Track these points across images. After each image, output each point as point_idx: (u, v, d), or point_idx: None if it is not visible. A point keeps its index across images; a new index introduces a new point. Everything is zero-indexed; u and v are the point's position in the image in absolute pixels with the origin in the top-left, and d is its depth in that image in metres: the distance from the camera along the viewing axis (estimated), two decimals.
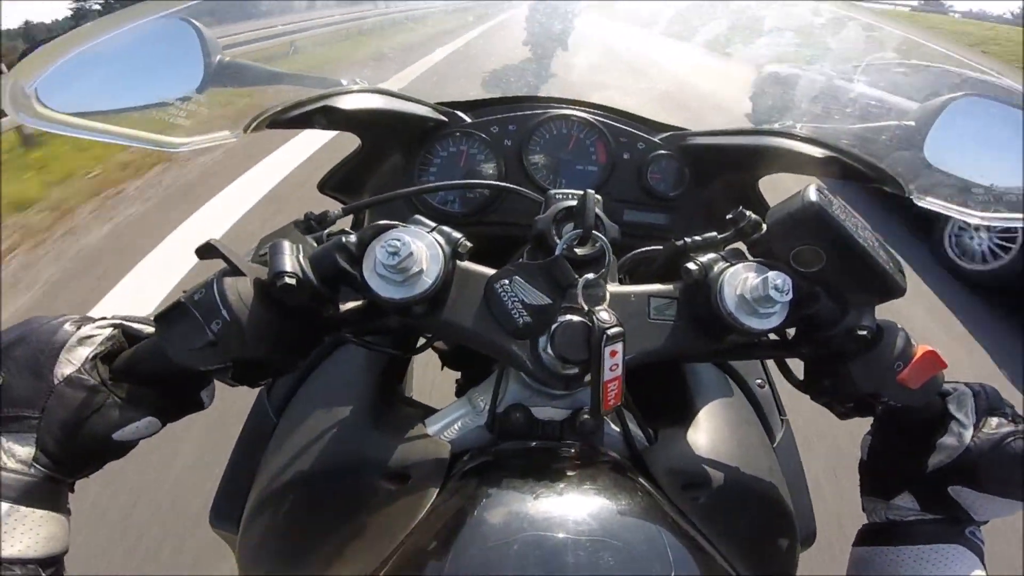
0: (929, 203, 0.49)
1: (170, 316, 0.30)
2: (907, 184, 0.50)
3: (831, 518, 0.88)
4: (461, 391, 0.69)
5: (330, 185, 0.65)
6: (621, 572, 0.29)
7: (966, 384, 0.40)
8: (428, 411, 0.48)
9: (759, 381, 0.58)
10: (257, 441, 0.49)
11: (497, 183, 0.54)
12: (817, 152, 0.54)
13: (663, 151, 0.63)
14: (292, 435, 0.46)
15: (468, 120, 0.63)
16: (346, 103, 0.51)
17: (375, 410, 0.47)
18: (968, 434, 0.38)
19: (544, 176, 0.63)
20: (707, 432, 0.48)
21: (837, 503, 1.16)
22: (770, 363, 0.57)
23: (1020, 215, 0.48)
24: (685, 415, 0.50)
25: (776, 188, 0.54)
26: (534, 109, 0.64)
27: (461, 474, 0.38)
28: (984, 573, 0.37)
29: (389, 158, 0.63)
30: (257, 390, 0.50)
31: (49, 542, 0.29)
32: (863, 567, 0.41)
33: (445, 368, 0.73)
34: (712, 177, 0.64)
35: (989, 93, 0.64)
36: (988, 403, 0.39)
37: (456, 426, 0.44)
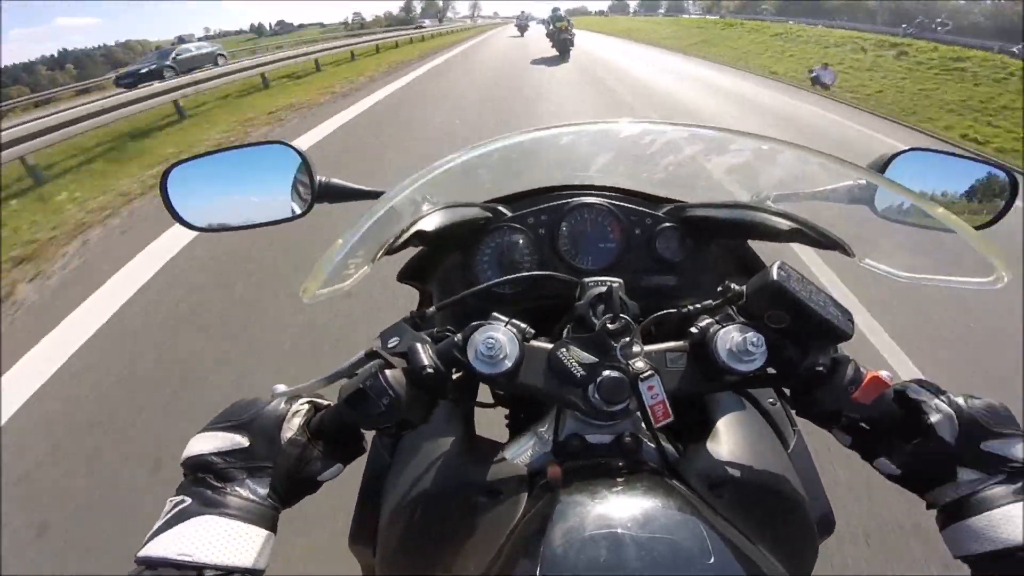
0: (868, 265, 0.64)
1: (355, 398, 0.48)
2: (852, 248, 0.65)
3: None
4: (514, 426, 0.85)
5: (406, 275, 0.84)
6: (672, 559, 0.39)
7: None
8: (494, 444, 0.64)
9: (771, 400, 0.72)
10: (378, 478, 0.65)
11: (540, 273, 0.71)
12: (784, 224, 0.70)
13: (667, 223, 0.80)
14: (405, 470, 0.62)
15: (509, 214, 0.80)
16: (427, 224, 0.69)
17: (462, 445, 0.63)
18: (941, 403, 0.48)
19: (572, 254, 0.80)
20: (726, 443, 0.61)
21: None
22: None
23: (945, 277, 0.60)
24: (706, 431, 0.63)
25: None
26: (560, 199, 0.81)
27: (540, 487, 0.53)
28: None
29: (451, 252, 0.81)
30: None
31: (262, 556, 0.44)
32: (967, 540, 0.45)
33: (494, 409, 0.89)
34: (709, 241, 0.81)
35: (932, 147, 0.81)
36: (932, 385, 0.50)
37: (528, 453, 0.60)
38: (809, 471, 0.66)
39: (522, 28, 31.79)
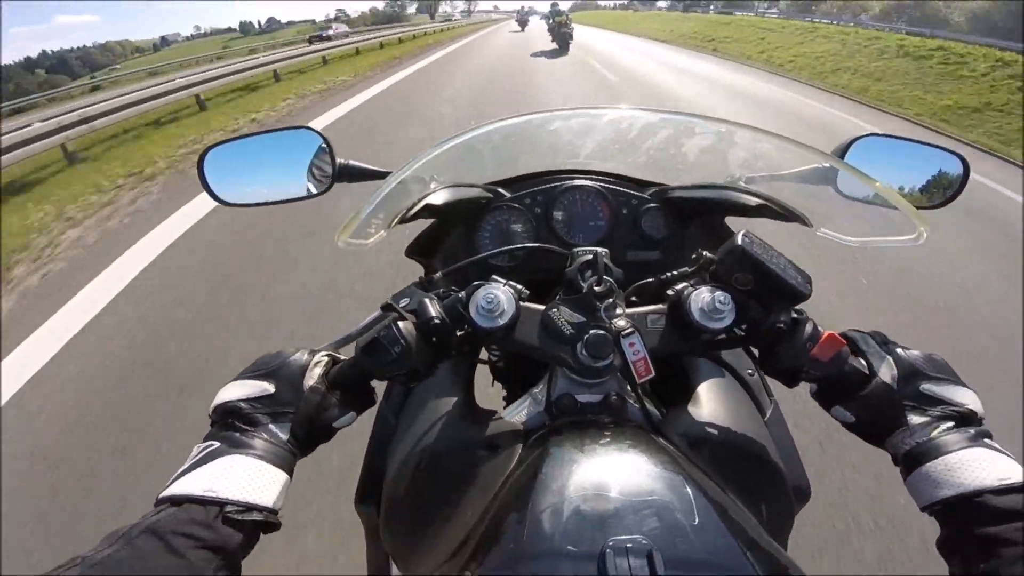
0: (824, 233, 0.73)
1: (370, 346, 0.55)
2: (811, 219, 0.74)
3: None
4: (511, 398, 0.92)
5: (413, 250, 0.92)
6: (653, 506, 0.42)
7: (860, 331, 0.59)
8: (489, 411, 0.70)
9: (749, 371, 0.77)
10: (384, 439, 0.71)
11: (535, 244, 0.79)
12: (752, 201, 0.78)
13: (651, 204, 0.89)
14: (410, 430, 0.68)
15: (508, 195, 0.89)
16: (436, 199, 0.78)
17: (464, 408, 0.69)
18: (884, 353, 0.55)
19: (565, 231, 0.89)
20: (706, 406, 0.66)
21: None
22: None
23: (882, 238, 0.69)
24: (687, 396, 0.69)
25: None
26: (554, 182, 0.90)
27: (533, 440, 0.59)
28: (1018, 465, 0.47)
29: (454, 229, 0.90)
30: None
31: (280, 498, 0.48)
32: (925, 487, 0.48)
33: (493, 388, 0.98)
34: (689, 219, 0.90)
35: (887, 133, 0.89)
36: (880, 335, 0.58)
37: (524, 412, 0.67)
38: (785, 439, 0.71)
39: (523, 23, 33.57)
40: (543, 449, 0.53)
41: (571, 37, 16.89)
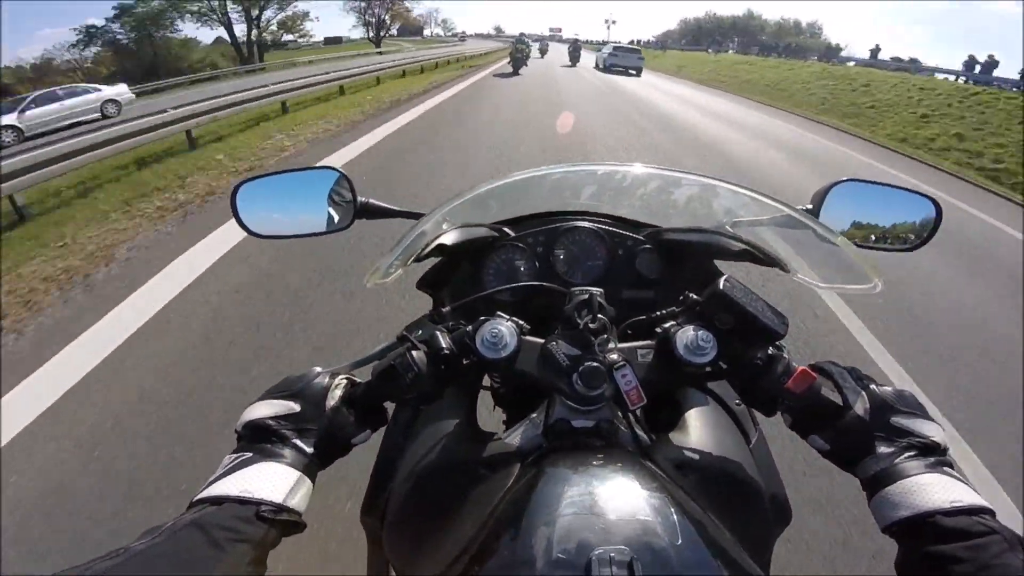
0: (799, 279, 0.82)
1: (386, 372, 0.63)
2: (789, 265, 0.83)
3: None
4: (510, 423, 0.99)
5: (424, 282, 1.02)
6: (639, 528, 0.46)
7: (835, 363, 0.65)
8: (490, 433, 0.78)
9: (736, 401, 0.82)
10: (391, 456, 0.79)
11: (536, 283, 0.88)
12: (736, 246, 0.87)
13: (646, 246, 0.99)
14: (416, 448, 0.75)
15: (512, 234, 0.99)
16: (447, 239, 0.87)
17: (466, 429, 0.77)
18: (859, 388, 0.61)
19: (565, 270, 0.98)
20: (692, 434, 0.72)
21: None
22: None
23: (846, 286, 0.79)
24: (676, 423, 0.75)
25: None
26: (556, 222, 1.00)
27: (530, 461, 0.64)
28: (972, 491, 0.52)
29: (461, 264, 0.99)
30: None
31: (304, 502, 0.55)
32: (884, 509, 0.54)
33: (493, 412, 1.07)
34: (681, 261, 0.99)
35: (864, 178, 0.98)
36: (856, 371, 0.64)
37: (522, 436, 0.74)
38: (768, 466, 0.76)
39: (517, 61, 21.79)
40: (539, 469, 0.57)
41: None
